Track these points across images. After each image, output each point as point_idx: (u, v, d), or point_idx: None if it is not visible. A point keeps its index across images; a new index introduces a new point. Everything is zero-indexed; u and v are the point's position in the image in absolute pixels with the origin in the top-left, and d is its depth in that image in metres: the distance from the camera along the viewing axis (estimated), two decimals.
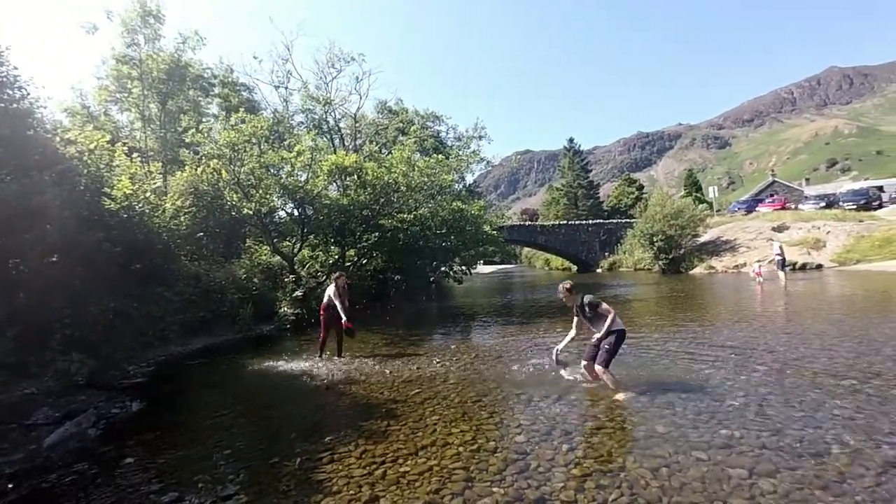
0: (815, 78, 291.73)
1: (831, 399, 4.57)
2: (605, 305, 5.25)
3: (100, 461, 4.25)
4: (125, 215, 8.82)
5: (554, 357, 5.83)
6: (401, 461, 3.84)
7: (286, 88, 26.63)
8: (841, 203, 31.28)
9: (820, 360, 6.02)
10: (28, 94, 7.76)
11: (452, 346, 8.79)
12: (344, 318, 7.70)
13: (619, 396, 4.95)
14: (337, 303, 7.71)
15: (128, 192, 9.10)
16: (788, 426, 3.99)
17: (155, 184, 11.84)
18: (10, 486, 3.76)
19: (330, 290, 7.89)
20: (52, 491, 3.67)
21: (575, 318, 5.58)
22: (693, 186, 59.70)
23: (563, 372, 5.91)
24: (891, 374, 5.24)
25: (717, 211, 40.68)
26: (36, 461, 4.28)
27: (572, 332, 5.65)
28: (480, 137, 30.20)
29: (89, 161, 8.68)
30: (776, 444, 3.67)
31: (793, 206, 35.07)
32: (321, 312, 7.94)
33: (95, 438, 4.90)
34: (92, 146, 8.99)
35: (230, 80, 25.25)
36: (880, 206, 29.79)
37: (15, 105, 7.48)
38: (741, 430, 3.95)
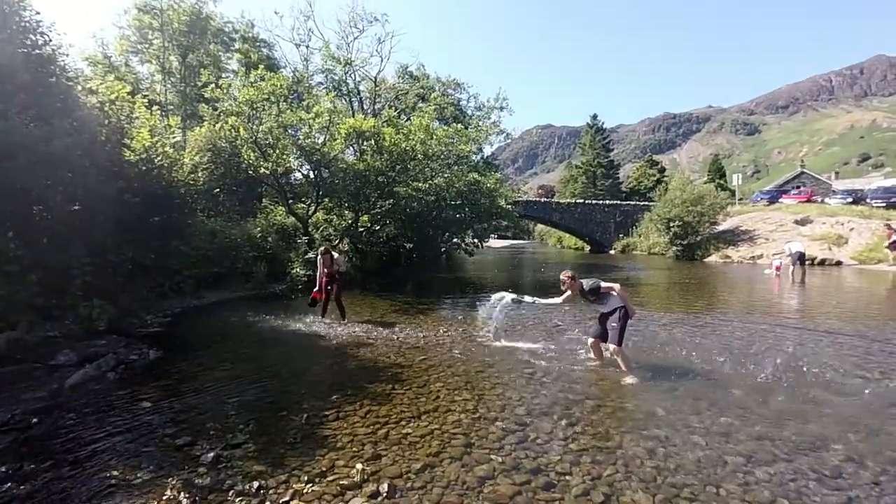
0: (858, 66, 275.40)
1: (837, 397, 4.54)
2: (605, 284, 5.28)
3: (118, 403, 4.45)
4: (144, 168, 8.88)
5: (502, 304, 6.61)
6: (403, 423, 3.96)
7: (307, 47, 26.21)
8: (869, 200, 30.19)
9: (830, 357, 5.96)
10: (50, 40, 7.70)
11: (460, 317, 8.89)
12: (316, 288, 8.48)
13: (628, 380, 4.95)
14: (317, 273, 8.53)
15: (147, 144, 9.13)
16: (790, 420, 4.00)
17: (174, 138, 11.89)
18: (34, 420, 3.97)
19: (318, 261, 8.64)
20: (73, 428, 3.87)
21: (567, 293, 5.51)
22: (717, 173, 58.18)
23: (493, 331, 6.95)
24: None
25: (739, 200, 39.68)
26: (58, 400, 4.51)
27: (557, 300, 5.72)
28: (502, 108, 29.57)
29: (110, 112, 8.68)
30: (776, 435, 3.68)
31: (819, 200, 34.00)
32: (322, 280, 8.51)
33: (114, 382, 5.12)
34: (113, 97, 8.98)
35: (251, 35, 24.85)
36: None
37: (37, 51, 7.45)
38: (741, 420, 3.97)
